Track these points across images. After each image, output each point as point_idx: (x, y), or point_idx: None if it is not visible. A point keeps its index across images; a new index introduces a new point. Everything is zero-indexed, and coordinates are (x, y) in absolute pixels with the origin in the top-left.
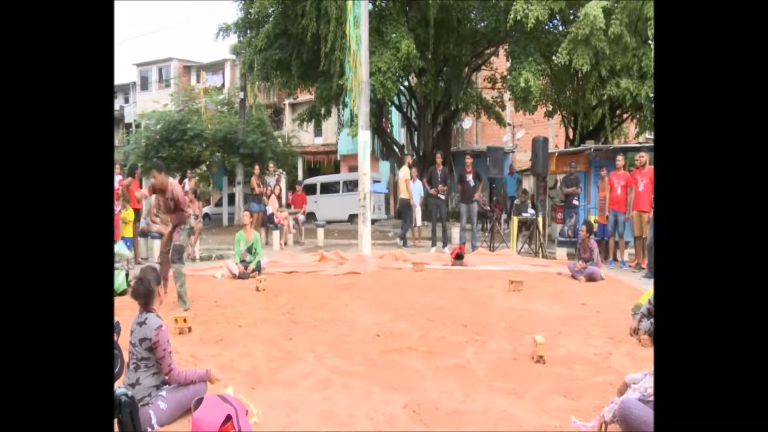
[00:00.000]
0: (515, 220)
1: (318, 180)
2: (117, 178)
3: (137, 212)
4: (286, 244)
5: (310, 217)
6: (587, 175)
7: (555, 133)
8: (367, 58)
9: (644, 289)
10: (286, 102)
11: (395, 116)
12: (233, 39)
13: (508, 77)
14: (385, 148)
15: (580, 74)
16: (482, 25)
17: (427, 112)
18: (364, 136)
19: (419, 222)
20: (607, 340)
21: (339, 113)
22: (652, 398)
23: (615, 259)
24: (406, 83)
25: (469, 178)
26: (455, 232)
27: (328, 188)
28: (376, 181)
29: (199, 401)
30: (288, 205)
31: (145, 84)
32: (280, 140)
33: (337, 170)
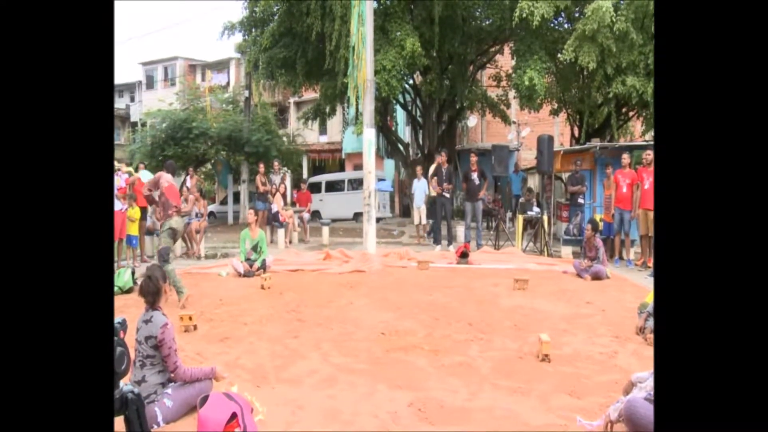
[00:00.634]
0: (520, 218)
1: (323, 178)
2: (123, 176)
3: (143, 210)
4: (291, 242)
5: (315, 215)
6: (593, 174)
7: (560, 131)
8: (372, 57)
9: (650, 288)
10: (291, 100)
11: (400, 114)
12: (238, 37)
13: (513, 75)
14: (390, 147)
15: (586, 72)
16: (487, 23)
17: (432, 111)
18: (369, 134)
19: (424, 220)
20: (613, 338)
21: (344, 111)
22: None
23: (621, 258)
24: (410, 81)
25: (474, 176)
26: (460, 230)
27: (333, 186)
28: (380, 180)
29: (205, 399)
30: (293, 204)
31: (150, 83)
32: (284, 138)
33: (341, 168)
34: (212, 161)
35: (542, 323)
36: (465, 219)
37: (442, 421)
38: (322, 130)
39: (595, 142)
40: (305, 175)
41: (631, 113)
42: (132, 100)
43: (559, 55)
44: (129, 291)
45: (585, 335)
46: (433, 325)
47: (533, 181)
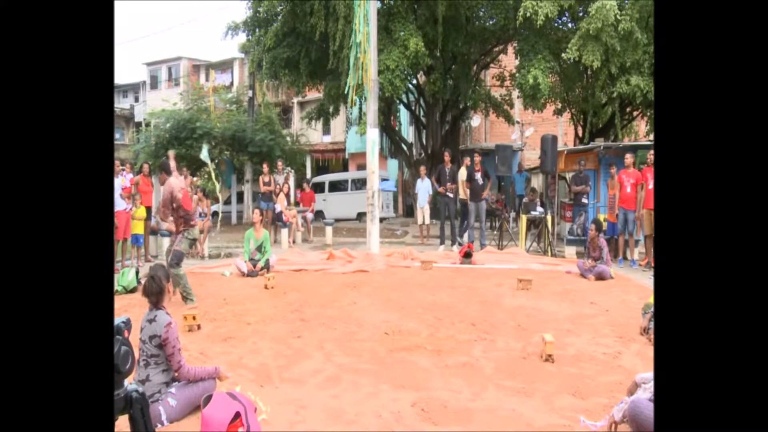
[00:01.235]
0: (524, 218)
1: (326, 178)
2: (128, 176)
3: (148, 210)
4: (294, 242)
5: (319, 215)
6: (597, 173)
7: (564, 131)
8: (376, 56)
9: None
10: (295, 100)
11: (404, 114)
12: (242, 38)
13: (517, 75)
14: (394, 147)
15: (590, 71)
16: (491, 22)
17: (436, 110)
18: (373, 134)
19: (427, 220)
20: (617, 339)
21: (347, 111)
22: None
23: (625, 258)
24: (414, 81)
25: (478, 176)
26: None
27: (337, 186)
28: (384, 179)
29: (209, 398)
30: (296, 203)
31: (154, 83)
32: (288, 138)
33: (345, 168)
34: (216, 161)
35: (546, 323)
36: (468, 219)
37: (445, 421)
38: (326, 130)
39: (599, 142)
40: (309, 174)
41: (635, 113)
42: (136, 100)
43: (563, 55)
44: (133, 290)
45: (589, 335)
46: (436, 325)
47: (537, 181)
